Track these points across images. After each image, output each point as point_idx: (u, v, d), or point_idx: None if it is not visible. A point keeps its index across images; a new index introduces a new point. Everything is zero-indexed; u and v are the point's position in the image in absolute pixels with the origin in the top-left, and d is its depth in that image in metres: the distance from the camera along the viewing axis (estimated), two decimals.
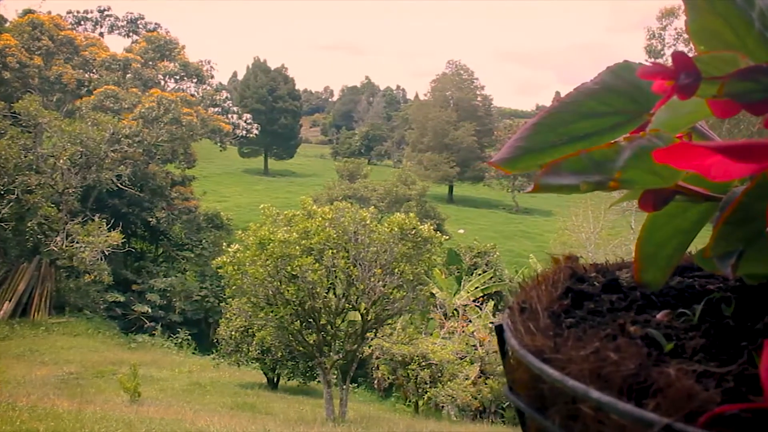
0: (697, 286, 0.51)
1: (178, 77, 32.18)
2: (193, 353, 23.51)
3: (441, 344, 18.49)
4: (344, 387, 13.80)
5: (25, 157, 22.25)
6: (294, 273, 11.90)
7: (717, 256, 0.42)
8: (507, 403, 17.37)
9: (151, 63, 30.80)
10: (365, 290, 12.56)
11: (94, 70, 29.72)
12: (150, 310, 24.24)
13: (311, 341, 12.92)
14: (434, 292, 21.05)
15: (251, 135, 37.47)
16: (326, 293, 12.64)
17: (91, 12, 36.23)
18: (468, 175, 57.33)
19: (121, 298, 24.18)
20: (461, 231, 39.24)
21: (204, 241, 27.54)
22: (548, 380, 0.38)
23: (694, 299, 0.48)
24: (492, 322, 21.28)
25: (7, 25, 28.25)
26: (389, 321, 14.34)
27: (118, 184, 24.21)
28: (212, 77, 33.89)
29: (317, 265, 12.00)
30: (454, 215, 43.42)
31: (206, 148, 36.38)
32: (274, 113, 59.79)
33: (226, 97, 35.52)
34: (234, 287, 12.67)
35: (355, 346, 13.45)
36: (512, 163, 0.60)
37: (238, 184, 52.80)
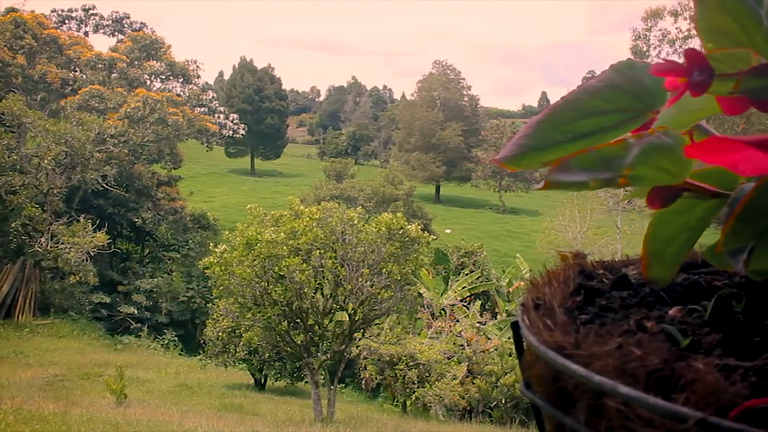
0: (703, 282, 0.51)
1: (164, 77, 32.01)
2: (180, 354, 23.40)
3: (428, 344, 18.52)
4: (332, 387, 13.79)
5: (9, 157, 22.04)
6: (281, 273, 11.87)
7: (728, 251, 0.43)
8: (494, 403, 17.43)
9: (136, 62, 30.60)
10: (353, 290, 12.55)
11: (79, 70, 29.50)
12: (136, 311, 24.10)
13: (299, 342, 12.90)
14: (422, 292, 21.10)
15: (238, 135, 37.32)
16: (314, 293, 12.62)
17: (76, 11, 35.97)
18: (455, 175, 57.47)
19: (107, 299, 24.03)
20: (448, 231, 39.30)
21: (190, 241, 27.42)
22: (572, 376, 0.38)
23: (702, 295, 0.49)
24: (480, 322, 21.35)
25: None
26: (377, 321, 14.34)
27: (104, 185, 24.04)
28: (198, 77, 33.76)
29: (305, 265, 11.98)
30: (441, 215, 43.49)
31: (192, 148, 36.23)
32: (261, 113, 59.63)
33: (213, 97, 35.37)
34: (221, 288, 12.62)
35: (343, 346, 13.44)
36: (516, 160, 0.60)
37: (225, 185, 52.61)
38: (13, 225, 21.45)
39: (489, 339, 20.31)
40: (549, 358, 0.40)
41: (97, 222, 22.98)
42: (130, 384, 13.91)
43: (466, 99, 62.55)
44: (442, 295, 23.72)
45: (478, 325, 21.11)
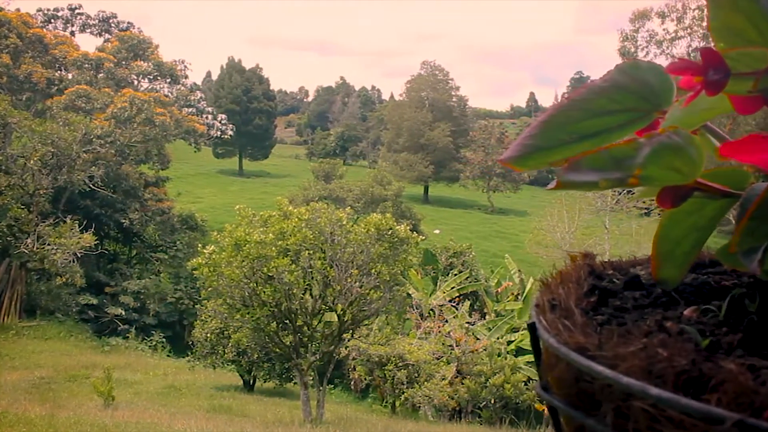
0: (713, 282, 0.51)
1: (151, 77, 31.86)
2: (168, 356, 23.29)
3: (417, 345, 18.53)
4: (321, 388, 13.76)
5: None
6: (270, 274, 11.84)
7: (742, 251, 0.43)
8: (483, 403, 17.46)
9: (124, 62, 30.44)
10: (342, 291, 12.54)
11: (65, 69, 29.30)
12: (123, 313, 23.94)
13: (288, 342, 12.87)
14: (410, 292, 21.10)
15: (226, 136, 37.23)
16: (303, 294, 12.60)
17: (62, 10, 35.73)
18: (443, 176, 57.54)
19: (94, 301, 23.85)
20: (437, 231, 39.33)
21: (178, 242, 27.29)
22: (597, 378, 0.38)
23: (712, 296, 0.49)
24: (469, 322, 21.39)
25: None
26: (366, 322, 14.34)
27: (91, 185, 23.88)
28: (186, 77, 33.65)
29: (294, 266, 11.96)
30: (430, 215, 43.52)
31: (180, 148, 36.06)
32: (249, 114, 59.48)
33: (201, 98, 35.25)
34: (210, 289, 12.57)
35: (332, 347, 13.42)
36: (522, 160, 0.59)
37: (213, 185, 52.40)
38: None
39: (478, 339, 20.35)
40: (571, 359, 0.39)
41: (84, 223, 22.82)
42: (118, 386, 13.82)
43: (454, 99, 62.67)
44: (430, 295, 23.75)
45: (467, 325, 21.16)
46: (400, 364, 17.01)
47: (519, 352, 20.58)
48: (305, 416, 13.04)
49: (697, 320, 0.43)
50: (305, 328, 13.00)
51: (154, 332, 24.23)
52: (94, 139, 23.93)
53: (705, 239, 0.50)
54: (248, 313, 12.27)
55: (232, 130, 37.97)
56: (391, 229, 12.92)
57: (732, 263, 0.45)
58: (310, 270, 12.40)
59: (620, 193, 25.01)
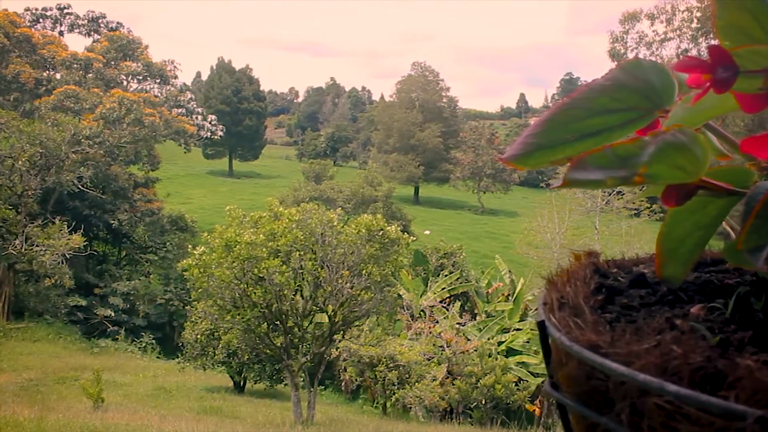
0: (715, 280, 0.51)
1: (141, 77, 31.72)
2: (158, 357, 23.19)
3: (408, 345, 18.53)
4: (312, 389, 13.74)
5: None
6: (261, 275, 11.81)
7: (748, 249, 0.43)
8: (474, 404, 17.49)
9: (113, 63, 30.29)
10: (333, 292, 12.52)
11: (54, 69, 29.13)
12: (113, 314, 23.81)
13: (278, 344, 12.84)
14: (401, 293, 21.12)
15: (216, 136, 37.12)
16: (293, 295, 12.57)
17: (51, 10, 35.49)
18: (433, 176, 57.62)
19: (83, 302, 23.72)
20: (427, 232, 39.36)
21: (168, 243, 27.19)
22: (611, 375, 0.38)
23: (716, 294, 0.49)
24: (459, 323, 21.41)
25: None
26: (357, 323, 14.31)
27: (80, 186, 23.75)
28: (176, 77, 33.51)
29: (284, 267, 11.93)
30: (420, 216, 43.57)
31: (170, 149, 35.93)
32: (239, 114, 59.34)
33: (191, 98, 35.11)
34: (200, 290, 12.51)
35: (323, 348, 13.40)
36: (524, 159, 0.59)
37: (203, 186, 52.23)
38: None
39: (468, 340, 20.38)
40: (584, 357, 0.39)
41: (73, 224, 22.70)
42: (108, 388, 13.74)
43: (444, 100, 62.78)
44: (421, 296, 23.77)
45: (457, 326, 21.18)
46: (391, 365, 17.01)
47: (509, 352, 20.63)
48: (296, 417, 13.02)
49: (705, 318, 0.43)
50: (296, 329, 12.97)
51: (143, 334, 24.12)
52: (82, 140, 23.79)
53: (709, 237, 0.50)
54: (239, 315, 12.23)
55: (222, 130, 37.87)
56: (381, 230, 12.91)
57: (738, 261, 0.45)
58: (300, 271, 12.38)
59: (610, 194, 25.12)
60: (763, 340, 0.40)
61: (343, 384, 20.74)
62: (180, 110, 32.70)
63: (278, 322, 12.62)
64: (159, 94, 32.11)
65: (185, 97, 34.14)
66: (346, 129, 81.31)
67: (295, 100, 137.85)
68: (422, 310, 22.59)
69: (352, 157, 78.13)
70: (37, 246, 20.97)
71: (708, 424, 0.34)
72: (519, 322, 22.33)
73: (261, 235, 12.10)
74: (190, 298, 16.82)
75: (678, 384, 0.36)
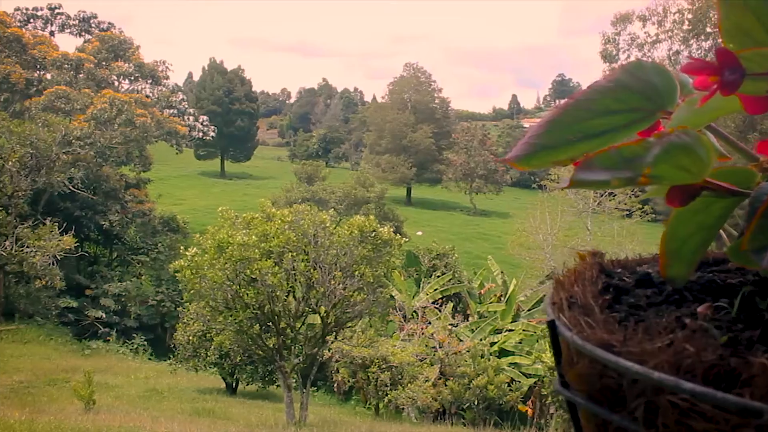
0: (718, 280, 0.52)
1: (132, 78, 31.60)
2: (149, 359, 23.10)
3: (401, 346, 18.54)
4: (305, 391, 13.72)
5: None
6: (253, 276, 11.79)
7: (753, 249, 0.43)
8: (467, 404, 17.50)
9: (104, 63, 30.16)
10: (325, 293, 12.51)
11: (44, 69, 28.98)
12: (104, 316, 23.70)
13: (271, 345, 12.81)
14: (393, 294, 21.11)
15: (207, 137, 37.02)
16: (286, 296, 12.56)
17: (41, 10, 35.30)
18: (426, 177, 57.68)
19: (74, 304, 23.59)
20: (419, 233, 39.41)
21: (160, 244, 27.10)
22: (625, 373, 0.38)
23: (720, 293, 0.49)
24: (452, 324, 21.42)
25: None
26: (349, 324, 14.30)
27: (70, 187, 23.63)
28: (167, 78, 33.39)
29: (277, 268, 11.91)
30: (413, 217, 43.60)
31: (162, 150, 35.83)
32: (231, 115, 59.21)
33: (182, 99, 35.00)
34: (192, 291, 12.48)
35: (316, 349, 13.39)
36: (527, 159, 0.60)
37: (195, 187, 52.09)
38: None
39: (461, 341, 20.39)
40: (597, 355, 0.39)
41: (64, 225, 22.56)
42: (99, 389, 13.68)
43: (436, 101, 62.86)
44: (413, 297, 23.77)
45: (450, 327, 21.19)
46: (384, 366, 17.00)
47: (502, 353, 20.66)
48: (289, 419, 13.00)
49: (712, 317, 0.44)
50: (288, 330, 12.95)
51: (135, 335, 24.03)
52: (73, 141, 23.69)
53: (712, 237, 0.50)
54: (231, 316, 12.20)
55: (213, 131, 37.77)
56: (374, 231, 12.91)
57: (742, 261, 0.46)
58: (293, 272, 12.37)
59: (602, 195, 25.21)
60: None
61: (335, 385, 20.72)
62: (171, 111, 32.59)
63: (271, 324, 12.59)
64: (150, 95, 31.99)
65: (177, 98, 34.03)
66: (338, 130, 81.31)
67: (287, 101, 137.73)
68: (415, 311, 22.59)
69: (345, 158, 78.13)
70: (27, 247, 20.85)
71: (723, 421, 0.34)
72: (511, 322, 22.37)
73: (253, 237, 12.08)
74: (181, 299, 16.80)
75: (692, 382, 0.36)
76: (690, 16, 27.42)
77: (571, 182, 0.47)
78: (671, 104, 0.56)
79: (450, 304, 23.42)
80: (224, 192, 50.14)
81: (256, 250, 11.89)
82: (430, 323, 21.50)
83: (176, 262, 12.68)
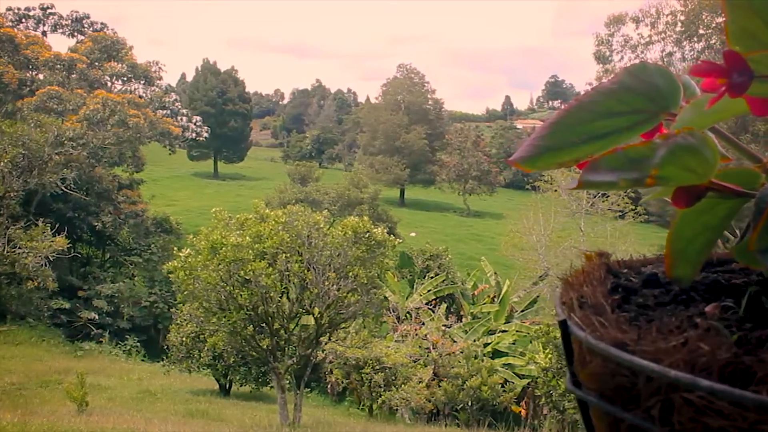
0: (723, 280, 0.52)
1: (125, 78, 31.50)
2: (143, 360, 23.03)
3: (394, 347, 18.55)
4: (298, 392, 13.70)
5: None
6: (247, 277, 11.77)
7: (760, 250, 0.44)
8: (461, 405, 17.53)
9: (97, 63, 30.06)
10: (319, 294, 12.50)
11: (37, 70, 28.86)
12: (97, 317, 23.61)
13: (264, 346, 12.79)
14: (387, 295, 21.12)
15: (201, 138, 36.93)
16: (280, 298, 12.54)
17: (33, 9, 35.14)
18: (419, 178, 57.74)
19: (67, 305, 23.48)
20: (413, 234, 39.45)
21: (153, 245, 27.03)
22: (642, 372, 0.38)
23: (725, 293, 0.50)
24: (445, 325, 21.44)
25: None
26: (343, 325, 14.30)
27: (63, 188, 23.54)
28: (161, 79, 33.30)
29: (270, 269, 11.89)
30: (406, 218, 43.62)
31: (155, 151, 35.73)
32: (224, 116, 59.12)
33: (175, 99, 34.92)
34: (185, 292, 12.44)
35: (309, 350, 13.37)
36: (532, 161, 0.60)
37: (188, 188, 51.97)
38: None
39: (454, 342, 20.42)
40: (611, 354, 0.40)
41: (57, 226, 22.46)
42: (92, 391, 13.62)
43: (430, 102, 62.92)
44: (407, 298, 23.80)
45: (443, 328, 21.22)
46: (377, 367, 17.01)
47: (495, 354, 20.70)
48: (282, 420, 12.98)
49: (720, 317, 0.44)
50: (282, 331, 12.94)
51: (128, 336, 23.95)
52: (66, 141, 23.59)
53: (717, 238, 0.51)
54: (224, 317, 12.18)
55: (207, 132, 37.70)
56: (368, 232, 12.91)
57: (749, 261, 0.46)
58: (287, 273, 12.35)
59: (595, 196, 25.28)
60: None
61: (329, 386, 20.71)
62: (165, 111, 32.50)
63: (264, 325, 12.58)
64: (143, 96, 31.90)
65: (170, 99, 33.94)
66: (331, 131, 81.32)
67: (280, 102, 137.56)
68: (408, 312, 22.62)
69: (338, 159, 78.13)
70: (19, 248, 20.75)
71: (741, 419, 0.34)
72: (505, 323, 22.42)
73: (247, 237, 12.06)
74: (175, 300, 16.75)
75: (709, 380, 0.36)
76: (683, 17, 27.56)
77: (579, 183, 0.47)
78: (674, 106, 0.57)
79: (443, 305, 23.45)
80: (217, 193, 50.05)
81: (250, 251, 11.87)
82: (423, 324, 21.52)
83: (169, 263, 12.65)
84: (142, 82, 32.16)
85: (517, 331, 21.63)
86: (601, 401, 0.42)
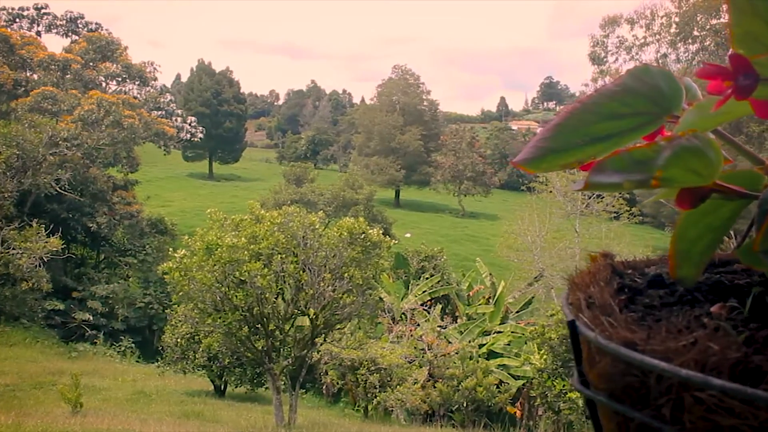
0: (726, 281, 0.53)
1: (120, 79, 31.43)
2: (137, 361, 22.98)
3: (390, 348, 18.54)
4: (293, 393, 13.69)
5: None
6: (242, 278, 11.75)
7: (764, 251, 0.44)
8: (456, 406, 17.53)
9: (91, 64, 29.99)
10: (314, 295, 12.49)
11: (31, 70, 28.78)
12: (91, 318, 23.54)
13: (260, 347, 12.77)
14: (382, 296, 21.13)
15: (196, 138, 36.88)
16: (275, 298, 12.51)
17: (27, 9, 35.03)
18: (414, 179, 57.76)
19: (61, 306, 23.41)
20: (408, 235, 39.46)
21: (147, 246, 26.97)
22: (653, 371, 0.38)
23: (728, 293, 0.50)
24: (440, 326, 21.44)
25: None
26: (339, 326, 14.29)
27: (57, 189, 23.46)
28: (155, 79, 33.23)
29: (266, 270, 11.87)
30: (401, 219, 43.63)
31: (150, 151, 35.64)
32: (219, 117, 59.04)
33: (170, 100, 34.86)
34: (180, 293, 12.40)
35: (305, 351, 13.36)
36: (536, 163, 0.61)
37: (183, 189, 51.86)
38: None
39: (450, 343, 20.43)
40: (621, 354, 0.40)
41: (51, 227, 22.40)
42: (86, 392, 13.57)
43: (425, 103, 62.95)
44: (402, 299, 23.80)
45: (438, 329, 21.23)
46: (373, 368, 17.01)
47: (490, 355, 20.72)
48: (278, 421, 12.96)
49: (726, 317, 0.44)
50: (277, 332, 12.91)
51: (122, 337, 23.89)
52: (60, 142, 23.52)
53: (720, 239, 0.51)
54: (220, 318, 12.15)
55: (202, 133, 37.65)
56: (363, 233, 12.90)
57: (753, 262, 0.46)
58: (282, 274, 12.33)
59: (590, 197, 25.35)
60: None
61: (324, 387, 20.71)
62: (159, 112, 32.46)
63: (259, 326, 12.55)
64: (138, 96, 31.84)
65: (165, 99, 33.89)
66: (326, 132, 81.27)
67: (275, 103, 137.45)
68: (403, 313, 22.62)
69: (333, 160, 78.11)
70: (13, 249, 20.67)
71: (752, 417, 0.35)
72: (500, 324, 22.44)
73: (242, 238, 12.03)
74: (170, 301, 16.71)
75: (720, 379, 0.37)
76: (677, 19, 27.65)
77: (586, 185, 0.48)
78: (677, 108, 0.57)
79: (439, 306, 23.46)
80: (212, 193, 49.98)
81: (245, 252, 11.85)
82: (418, 325, 21.53)
83: (165, 264, 12.60)
84: (136, 82, 32.10)
85: (512, 332, 21.65)
86: (611, 400, 0.42)
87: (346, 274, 12.53)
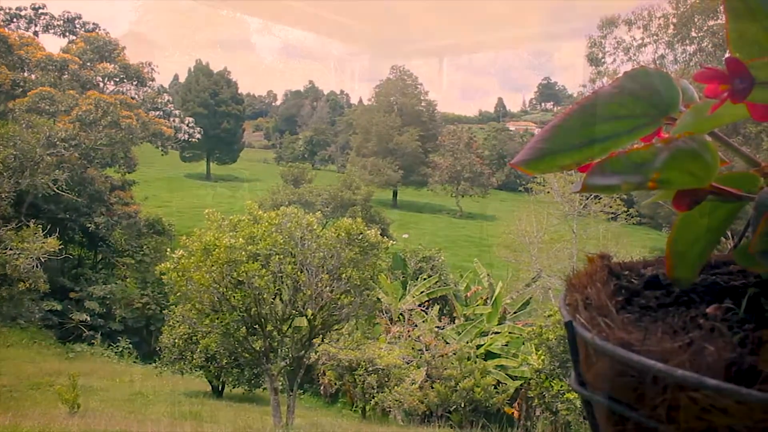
0: (721, 282, 0.53)
1: (117, 79, 31.39)
2: (135, 362, 22.94)
3: (387, 349, 18.54)
4: (291, 394, 13.67)
5: None
6: (240, 279, 11.74)
7: (760, 252, 0.44)
8: (453, 407, 17.53)
9: (89, 64, 29.95)
10: (312, 296, 12.48)
11: (29, 71, 28.74)
12: (89, 319, 23.50)
13: (257, 348, 12.77)
14: (380, 297, 21.12)
15: (193, 139, 36.85)
16: (273, 299, 12.50)
17: (25, 9, 34.99)
18: (412, 180, 57.76)
19: (58, 307, 23.37)
20: (406, 236, 39.43)
21: (145, 247, 26.93)
22: (648, 372, 0.39)
23: (724, 295, 0.51)
24: (438, 326, 21.44)
25: None
26: (336, 326, 14.28)
27: (55, 189, 23.43)
28: (153, 80, 33.20)
29: (264, 270, 11.86)
30: (399, 220, 43.63)
31: (147, 152, 35.58)
32: (217, 117, 58.96)
33: (168, 100, 34.83)
34: (178, 294, 12.40)
35: (302, 352, 13.35)
36: (534, 164, 0.61)
37: (180, 189, 51.77)
38: None
39: (447, 343, 20.43)
40: (618, 354, 0.41)
41: (48, 227, 22.35)
42: (84, 393, 13.56)
43: (423, 104, 62.92)
44: (400, 300, 23.78)
45: (436, 329, 21.23)
46: (370, 368, 17.01)
47: (488, 355, 20.72)
48: (276, 422, 12.95)
49: (722, 318, 0.45)
50: (275, 333, 12.91)
51: (120, 338, 23.85)
52: (58, 142, 23.50)
53: (717, 241, 0.52)
54: (217, 319, 12.14)
55: (199, 133, 37.62)
56: (361, 233, 12.90)
57: (748, 263, 0.47)
58: (280, 275, 12.32)
59: (588, 198, 25.36)
60: None
61: (322, 388, 20.69)
62: (157, 113, 32.42)
63: (257, 326, 12.55)
64: (136, 96, 31.82)
65: (162, 100, 33.86)
66: (324, 132, 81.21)
67: (273, 103, 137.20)
68: (401, 314, 22.62)
69: (331, 161, 78.07)
70: (10, 249, 20.62)
71: (746, 416, 0.35)
72: (498, 325, 22.44)
73: (240, 239, 12.03)
74: (167, 302, 16.70)
75: (715, 379, 0.37)
76: (674, 20, 27.71)
77: (583, 186, 0.48)
78: (674, 110, 0.58)
79: (436, 307, 23.45)
80: (210, 194, 49.92)
81: (243, 253, 11.84)
82: (416, 326, 21.53)
83: (162, 265, 12.59)
84: (134, 83, 32.07)
85: (509, 332, 21.66)
86: (608, 401, 0.42)
87: (343, 275, 12.53)
